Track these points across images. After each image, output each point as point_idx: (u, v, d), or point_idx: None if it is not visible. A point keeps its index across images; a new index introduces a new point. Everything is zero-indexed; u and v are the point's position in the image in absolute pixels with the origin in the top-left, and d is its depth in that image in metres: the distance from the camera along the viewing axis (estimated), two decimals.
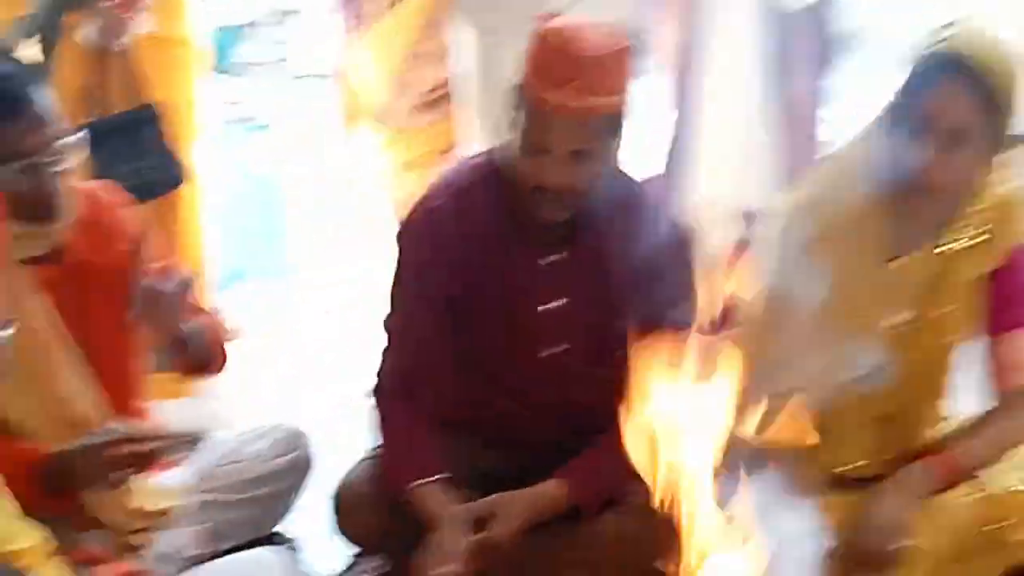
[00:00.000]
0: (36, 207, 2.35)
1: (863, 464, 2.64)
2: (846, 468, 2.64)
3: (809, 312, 2.39)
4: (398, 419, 2.68)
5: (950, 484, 2.53)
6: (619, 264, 2.56)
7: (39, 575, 1.91)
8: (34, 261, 2.39)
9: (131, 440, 2.30)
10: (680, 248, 2.60)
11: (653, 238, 2.52)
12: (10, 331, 1.88)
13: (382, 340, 2.73)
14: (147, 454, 2.31)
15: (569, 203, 2.52)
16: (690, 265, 2.59)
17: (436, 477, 2.59)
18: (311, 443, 2.93)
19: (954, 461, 2.53)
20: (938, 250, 2.51)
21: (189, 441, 2.41)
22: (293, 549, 2.91)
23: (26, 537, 1.95)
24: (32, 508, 2.04)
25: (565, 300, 2.63)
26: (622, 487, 2.62)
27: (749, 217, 3.47)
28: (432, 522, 2.52)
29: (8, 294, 2.03)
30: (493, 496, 2.60)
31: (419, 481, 2.57)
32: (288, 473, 2.89)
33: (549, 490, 2.61)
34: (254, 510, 2.83)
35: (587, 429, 2.72)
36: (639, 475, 2.57)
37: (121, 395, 2.56)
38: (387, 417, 2.70)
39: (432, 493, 2.57)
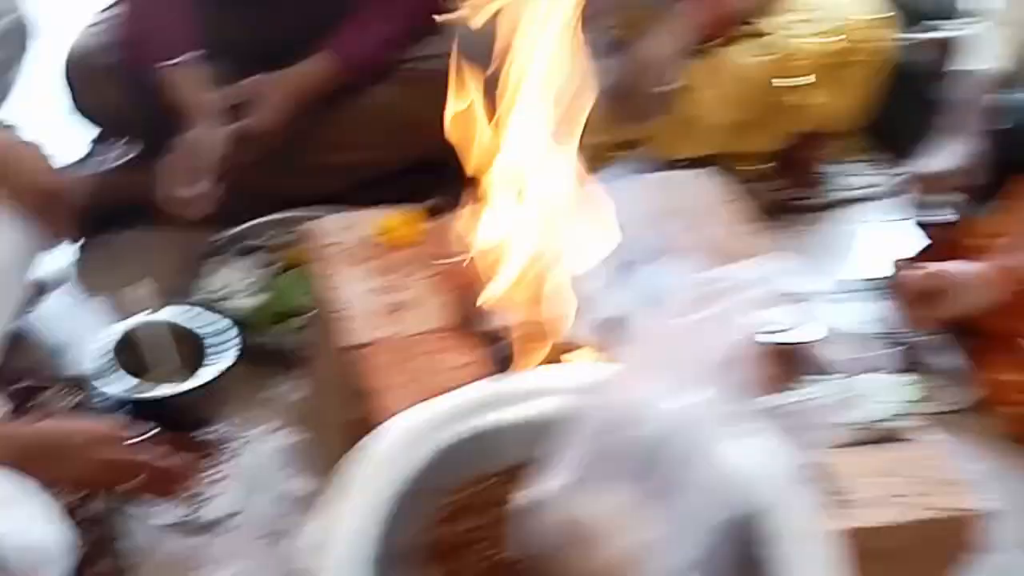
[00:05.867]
0: None
1: None
2: None
3: None
4: None
5: (719, 30, 2.43)
6: None
7: None
8: None
9: None
10: None
11: None
12: None
13: None
14: None
15: None
16: None
17: (186, 56, 2.27)
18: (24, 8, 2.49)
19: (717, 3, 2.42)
20: None
21: None
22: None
23: None
24: None
25: None
26: (394, 55, 2.41)
27: None
28: (182, 110, 2.23)
29: None
30: (252, 79, 2.32)
31: (166, 61, 2.25)
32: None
33: (315, 66, 2.35)
34: None
35: None
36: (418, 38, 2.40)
37: None
38: None
39: (182, 75, 2.26)
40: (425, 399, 1.54)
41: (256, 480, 1.92)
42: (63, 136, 2.45)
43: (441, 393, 1.53)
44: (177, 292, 2.17)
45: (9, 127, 2.54)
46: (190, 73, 2.27)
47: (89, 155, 2.54)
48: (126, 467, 1.68)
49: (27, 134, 2.41)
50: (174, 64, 2.25)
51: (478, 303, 1.68)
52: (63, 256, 2.23)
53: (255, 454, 1.96)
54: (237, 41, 2.42)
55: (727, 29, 2.45)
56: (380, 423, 1.54)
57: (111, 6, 2.41)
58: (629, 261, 1.62)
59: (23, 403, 1.99)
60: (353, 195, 2.36)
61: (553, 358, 1.62)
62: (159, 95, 2.26)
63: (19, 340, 2.06)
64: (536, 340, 1.63)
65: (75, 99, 2.41)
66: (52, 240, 1.96)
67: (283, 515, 1.87)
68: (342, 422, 1.78)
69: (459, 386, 1.54)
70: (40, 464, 1.62)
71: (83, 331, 2.13)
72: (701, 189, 1.96)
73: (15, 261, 1.93)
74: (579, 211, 1.59)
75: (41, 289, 2.14)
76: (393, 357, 1.64)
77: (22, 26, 2.50)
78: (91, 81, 2.38)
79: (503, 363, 1.65)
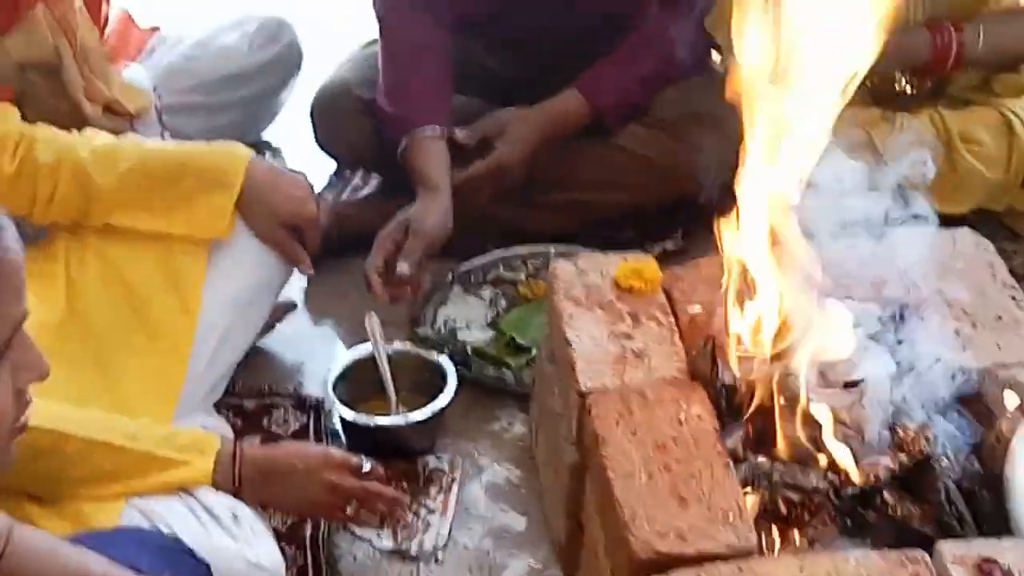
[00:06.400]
0: None
1: None
2: None
3: None
4: (404, 31, 2.32)
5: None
6: None
7: None
8: None
9: None
10: None
11: None
12: None
13: None
14: None
15: None
16: None
17: (432, 128, 2.24)
18: (297, 35, 2.58)
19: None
20: None
21: None
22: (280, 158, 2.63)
23: None
24: None
25: None
26: (647, 98, 2.37)
27: None
28: (415, 179, 2.21)
29: None
30: (502, 112, 2.31)
31: (416, 132, 2.23)
32: (270, 70, 2.56)
33: (565, 103, 2.32)
34: (229, 115, 2.51)
35: (606, 31, 2.40)
36: (667, 83, 2.36)
37: None
38: (390, 25, 2.33)
39: (424, 145, 2.23)
40: (647, 451, 1.52)
41: (470, 513, 1.90)
42: (315, 162, 2.50)
43: (664, 446, 1.50)
44: (406, 322, 2.18)
45: (275, 150, 2.63)
46: (432, 146, 2.24)
47: (329, 184, 2.57)
48: (350, 494, 1.68)
49: (290, 160, 2.50)
50: (421, 136, 2.23)
51: (712, 356, 1.64)
52: (298, 281, 2.24)
53: (471, 487, 1.94)
54: (492, 75, 2.44)
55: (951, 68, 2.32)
56: (597, 473, 1.52)
57: (371, 43, 2.42)
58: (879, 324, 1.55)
59: (253, 421, 2.04)
60: (585, 234, 2.35)
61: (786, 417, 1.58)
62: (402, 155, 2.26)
63: (254, 360, 2.09)
64: (770, 397, 1.58)
65: (317, 134, 2.44)
66: (296, 266, 1.99)
67: (494, 550, 1.84)
68: (560, 465, 1.75)
69: (684, 440, 1.52)
70: (270, 485, 1.64)
71: (313, 356, 2.16)
72: (962, 247, 1.85)
73: (264, 285, 1.96)
74: (830, 268, 1.54)
75: (279, 312, 2.18)
76: (619, 406, 1.59)
77: (292, 54, 2.58)
78: (336, 118, 2.40)
79: (734, 419, 1.61)
